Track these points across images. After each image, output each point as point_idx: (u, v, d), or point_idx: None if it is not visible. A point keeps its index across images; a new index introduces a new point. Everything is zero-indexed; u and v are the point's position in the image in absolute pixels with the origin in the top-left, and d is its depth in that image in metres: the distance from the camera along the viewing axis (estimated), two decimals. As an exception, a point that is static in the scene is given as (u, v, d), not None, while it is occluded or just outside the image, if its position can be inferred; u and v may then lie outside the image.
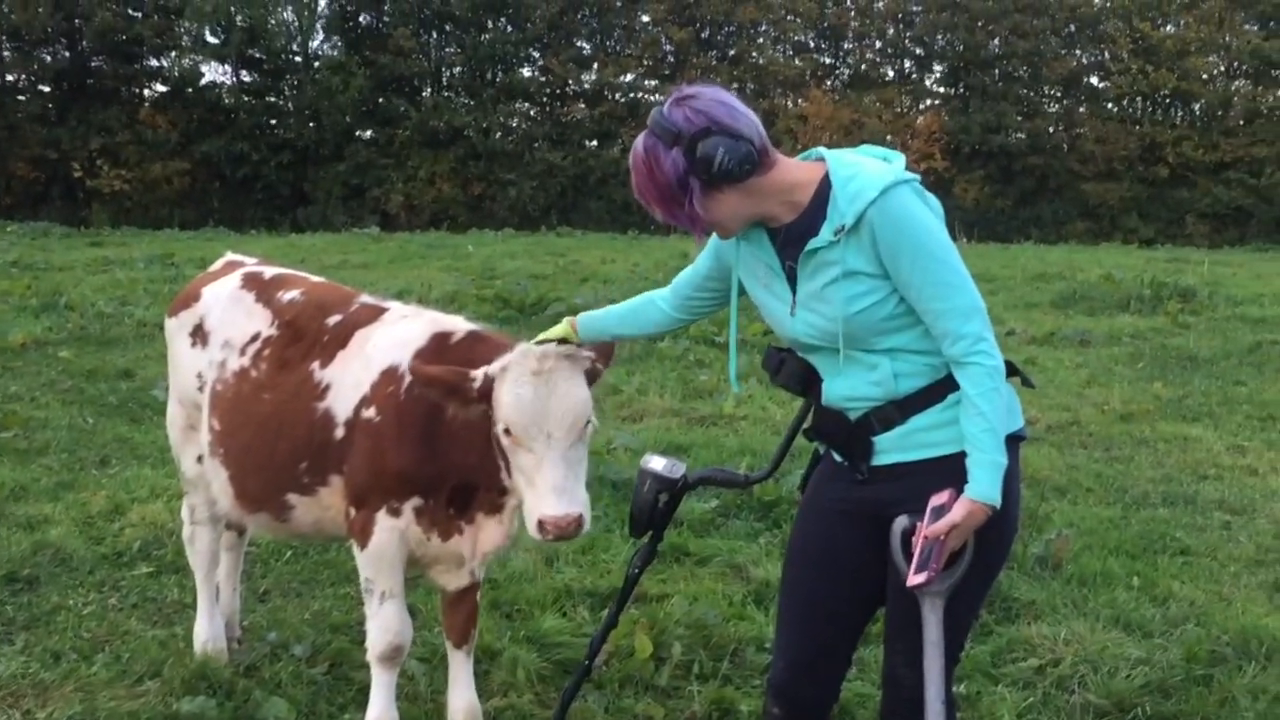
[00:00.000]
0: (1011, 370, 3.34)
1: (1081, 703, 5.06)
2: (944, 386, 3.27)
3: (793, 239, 3.32)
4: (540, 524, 3.84)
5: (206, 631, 5.30)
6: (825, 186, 3.26)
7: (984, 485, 3.14)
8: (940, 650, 3.24)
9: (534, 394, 3.88)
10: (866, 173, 3.22)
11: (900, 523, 3.26)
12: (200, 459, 5.07)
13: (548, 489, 3.86)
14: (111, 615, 5.80)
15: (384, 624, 4.52)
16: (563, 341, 3.99)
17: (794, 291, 3.36)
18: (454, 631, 4.72)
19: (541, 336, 4.04)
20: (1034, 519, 7.29)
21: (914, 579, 3.16)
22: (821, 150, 3.37)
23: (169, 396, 5.35)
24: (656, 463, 3.90)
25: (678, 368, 12.39)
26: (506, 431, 3.93)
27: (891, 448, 3.32)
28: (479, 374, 4.00)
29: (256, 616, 5.87)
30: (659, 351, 12.90)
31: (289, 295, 4.91)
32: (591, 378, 4.04)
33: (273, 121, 50.01)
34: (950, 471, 3.21)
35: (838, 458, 3.47)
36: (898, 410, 3.30)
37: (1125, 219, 49.12)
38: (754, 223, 3.38)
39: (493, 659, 5.30)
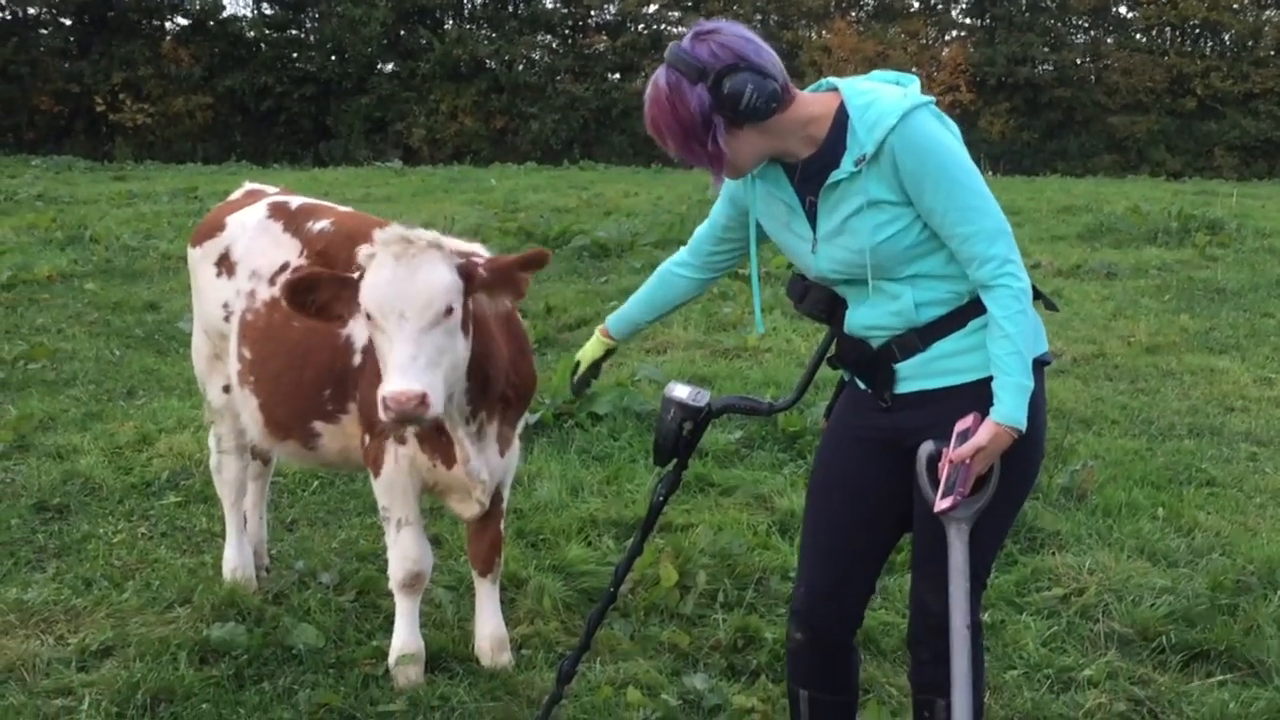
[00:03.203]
0: (1035, 295, 3.30)
1: (1106, 631, 5.09)
2: (966, 313, 3.24)
3: (811, 174, 3.27)
4: (382, 401, 3.76)
5: (235, 559, 5.36)
6: (842, 117, 3.20)
7: (1010, 408, 3.12)
8: (965, 576, 3.23)
9: (391, 275, 3.84)
10: (883, 99, 3.16)
11: (926, 448, 3.25)
12: (227, 388, 5.10)
13: (393, 368, 3.79)
14: (141, 543, 5.87)
15: (403, 551, 4.57)
16: (605, 356, 4.00)
17: (814, 228, 3.32)
18: (478, 560, 4.77)
19: (578, 357, 4.02)
20: (1059, 450, 7.29)
21: (940, 504, 3.16)
22: (833, 80, 3.31)
23: (193, 327, 5.37)
24: (680, 391, 3.88)
25: (702, 300, 12.34)
26: (368, 316, 3.89)
27: (914, 375, 3.30)
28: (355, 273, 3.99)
29: (284, 545, 5.94)
30: (683, 284, 12.83)
31: (319, 225, 4.91)
32: (467, 275, 3.96)
33: (295, 55, 49.76)
34: (973, 398, 3.20)
35: (861, 385, 3.46)
36: (919, 337, 3.27)
37: (1152, 151, 48.49)
38: (770, 161, 3.33)
39: (519, 587, 5.35)
